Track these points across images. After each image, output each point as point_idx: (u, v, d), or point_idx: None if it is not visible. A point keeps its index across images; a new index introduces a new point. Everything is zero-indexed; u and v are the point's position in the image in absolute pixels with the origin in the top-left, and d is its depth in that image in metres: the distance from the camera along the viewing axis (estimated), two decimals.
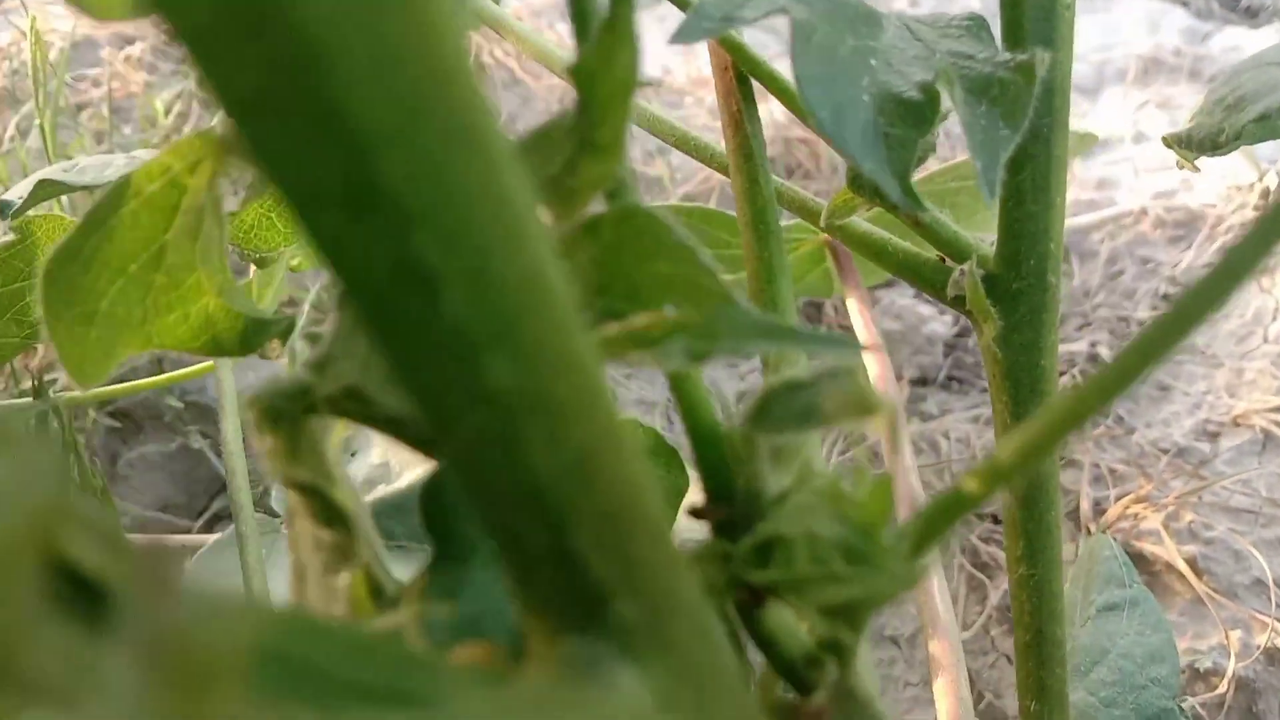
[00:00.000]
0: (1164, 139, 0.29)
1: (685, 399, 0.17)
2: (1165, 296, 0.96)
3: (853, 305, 0.44)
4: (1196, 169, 0.30)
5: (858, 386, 0.15)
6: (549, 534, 0.11)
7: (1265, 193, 1.00)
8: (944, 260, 0.28)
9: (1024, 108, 0.21)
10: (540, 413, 0.10)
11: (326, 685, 0.09)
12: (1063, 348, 0.91)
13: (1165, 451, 0.82)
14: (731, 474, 0.17)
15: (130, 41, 1.13)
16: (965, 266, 0.26)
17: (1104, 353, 0.92)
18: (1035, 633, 0.28)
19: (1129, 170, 1.11)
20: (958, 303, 0.27)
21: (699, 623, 0.12)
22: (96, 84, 1.08)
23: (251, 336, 0.22)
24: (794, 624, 0.18)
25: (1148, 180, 1.08)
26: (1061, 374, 0.89)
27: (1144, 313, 0.96)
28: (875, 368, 0.45)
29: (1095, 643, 0.45)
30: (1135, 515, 0.78)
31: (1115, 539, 0.73)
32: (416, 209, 0.09)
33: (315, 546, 0.16)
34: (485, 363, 0.10)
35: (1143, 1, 1.55)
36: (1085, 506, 0.80)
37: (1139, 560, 0.83)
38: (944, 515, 0.15)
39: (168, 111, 1.04)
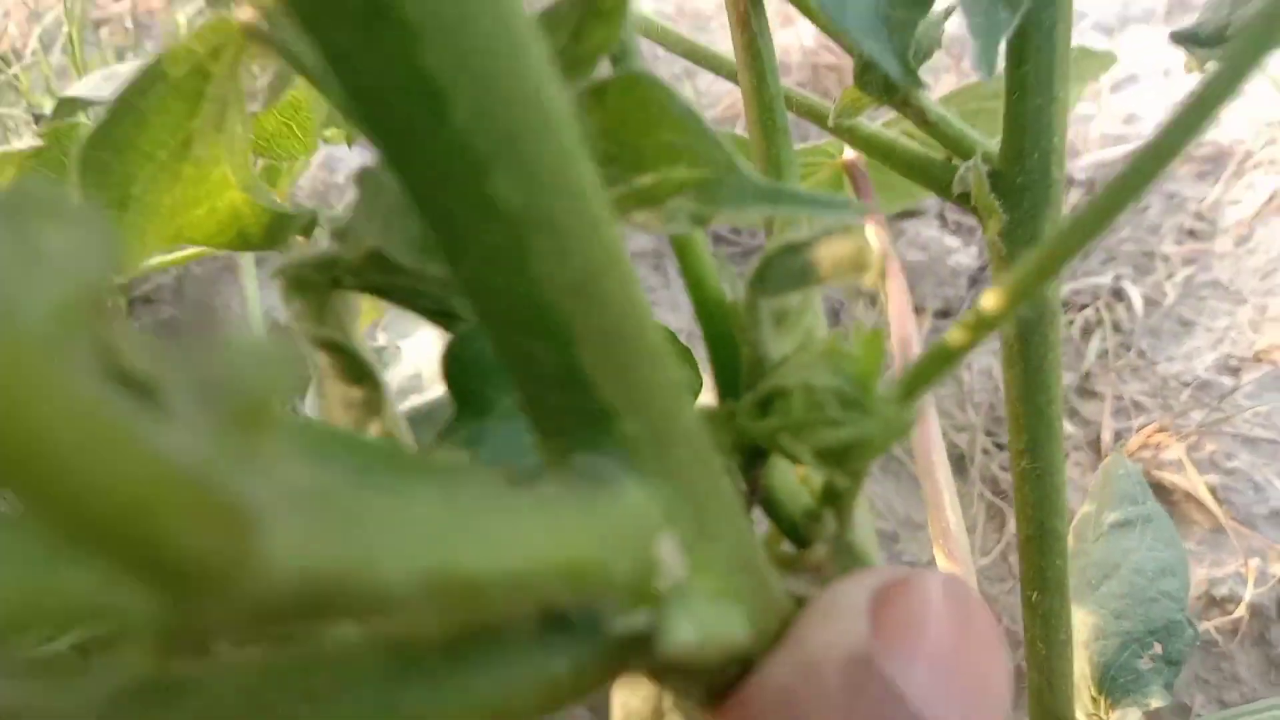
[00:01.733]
0: (1171, 35, 0.29)
1: (690, 271, 0.18)
2: (1191, 232, 0.95)
3: (870, 230, 0.45)
4: (1204, 71, 0.30)
5: (852, 242, 0.15)
6: (557, 352, 0.12)
7: None
8: (950, 159, 0.28)
9: None
10: (546, 231, 0.11)
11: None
12: (1086, 281, 0.91)
13: (1187, 385, 0.83)
14: (737, 344, 0.18)
15: None
16: (970, 163, 0.27)
17: (1127, 286, 0.91)
18: (1037, 525, 0.29)
19: (1157, 105, 1.10)
20: (963, 199, 0.27)
21: (700, 448, 0.13)
22: None
23: (277, 230, 0.23)
24: (795, 484, 0.19)
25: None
26: (1084, 306, 0.89)
27: (1169, 247, 0.95)
28: (895, 295, 0.45)
29: (1107, 557, 0.45)
30: (1157, 445, 0.78)
31: (1139, 467, 0.73)
32: (423, 24, 0.10)
33: (345, 404, 0.17)
34: (492, 179, 0.10)
35: None
36: (1107, 437, 0.80)
37: (1159, 490, 0.84)
38: (934, 364, 0.15)
39: (190, 25, 1.05)
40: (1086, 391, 0.84)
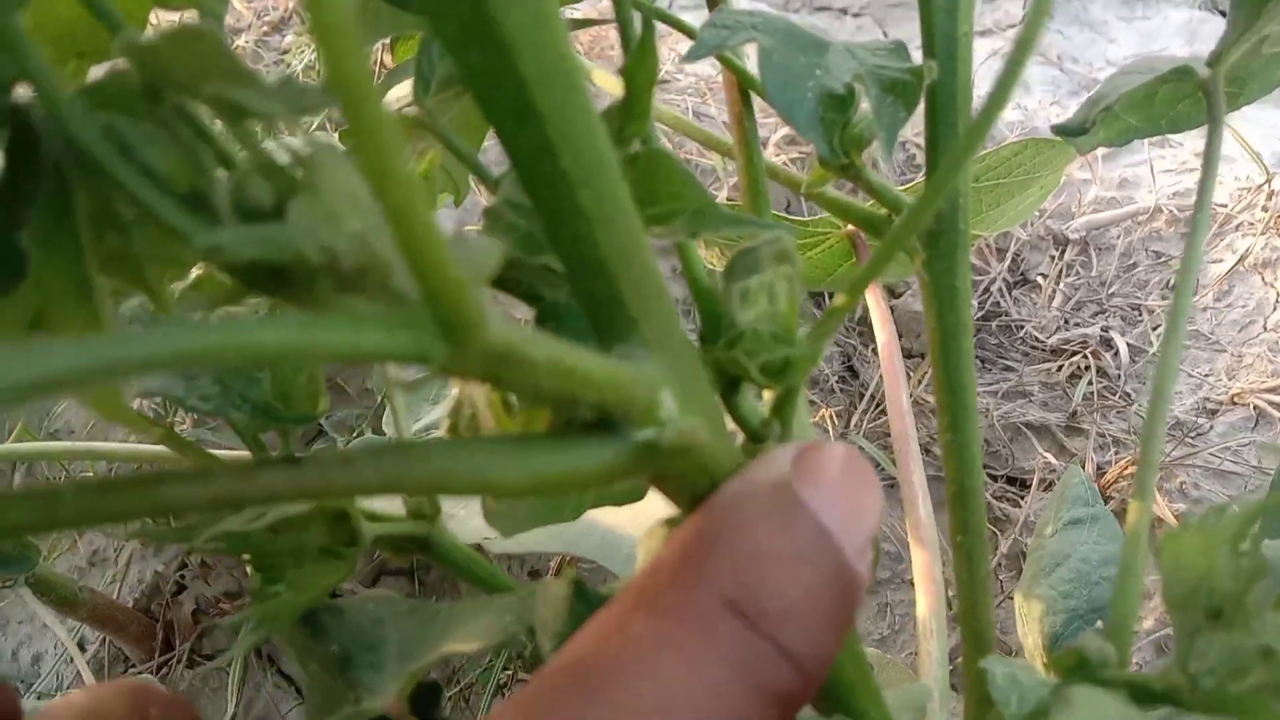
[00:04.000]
0: (1053, 127, 0.40)
1: (688, 264, 0.28)
2: (1174, 287, 1.07)
3: (870, 293, 0.56)
4: (1084, 155, 0.41)
5: (784, 247, 0.26)
6: (607, 287, 0.22)
7: (1271, 193, 1.10)
8: (890, 216, 0.39)
9: (915, 98, 0.33)
10: (606, 225, 0.22)
11: None
12: (1077, 331, 1.03)
13: (1166, 425, 0.92)
14: (718, 313, 0.29)
15: None
16: (902, 217, 0.38)
17: (1115, 337, 1.02)
18: (959, 485, 0.39)
19: (1148, 172, 1.21)
20: None
21: (688, 351, 0.24)
22: None
23: None
24: (754, 404, 0.29)
25: (1165, 181, 1.19)
26: (1075, 354, 1.00)
27: (1154, 301, 1.06)
28: (883, 337, 0.56)
29: (1060, 549, 0.54)
30: (1131, 476, 0.87)
31: (1115, 496, 0.82)
32: (549, 114, 0.21)
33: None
34: (579, 194, 0.21)
35: (1182, 11, 1.64)
36: (1089, 470, 0.89)
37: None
38: (830, 319, 0.26)
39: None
40: (1072, 429, 0.93)
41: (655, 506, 0.26)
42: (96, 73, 0.22)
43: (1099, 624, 0.52)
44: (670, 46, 1.25)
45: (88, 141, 0.19)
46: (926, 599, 0.50)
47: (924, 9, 0.36)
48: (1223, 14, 1.80)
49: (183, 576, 0.92)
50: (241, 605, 0.93)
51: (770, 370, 0.26)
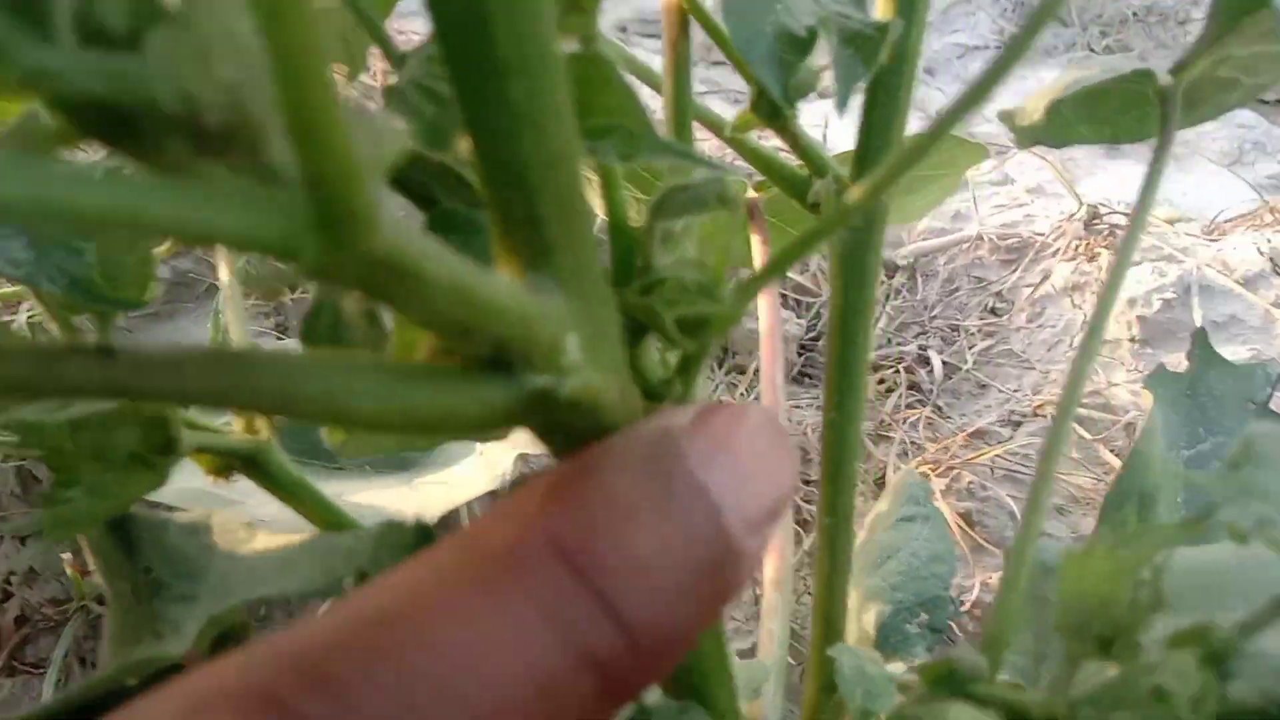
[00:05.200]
0: (999, 114, 0.38)
1: (609, 191, 0.25)
2: (992, 309, 1.13)
3: (762, 299, 0.54)
4: (1018, 147, 0.40)
5: (727, 186, 0.23)
6: (527, 203, 0.19)
7: (1085, 222, 1.18)
8: (811, 176, 0.37)
9: (875, 54, 0.30)
10: (535, 126, 0.18)
11: None
12: (896, 349, 1.10)
13: (969, 434, 0.97)
14: (633, 253, 0.26)
15: None
16: (825, 180, 0.35)
17: (932, 356, 1.08)
18: (835, 465, 0.37)
19: (982, 206, 1.28)
20: (815, 207, 0.36)
21: (602, 289, 0.21)
22: None
23: None
24: (655, 360, 0.26)
25: (994, 214, 1.26)
26: (892, 369, 1.06)
27: (973, 322, 1.12)
28: (766, 312, 0.54)
29: (892, 542, 0.55)
30: (924, 476, 0.91)
31: None
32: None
33: None
34: (509, 84, 0.18)
35: (1055, 72, 1.72)
36: (890, 474, 0.93)
37: None
38: (760, 278, 0.23)
39: None
40: (880, 437, 0.97)
41: None
42: None
43: (924, 616, 0.52)
44: None
45: None
46: (773, 575, 0.49)
47: None
48: None
49: (9, 583, 0.85)
50: (67, 611, 0.86)
51: (686, 325, 0.23)
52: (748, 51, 0.29)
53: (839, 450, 0.37)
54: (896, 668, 0.50)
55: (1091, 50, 1.84)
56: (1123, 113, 0.32)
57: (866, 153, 0.35)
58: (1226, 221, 1.28)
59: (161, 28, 0.14)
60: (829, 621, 0.39)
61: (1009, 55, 0.21)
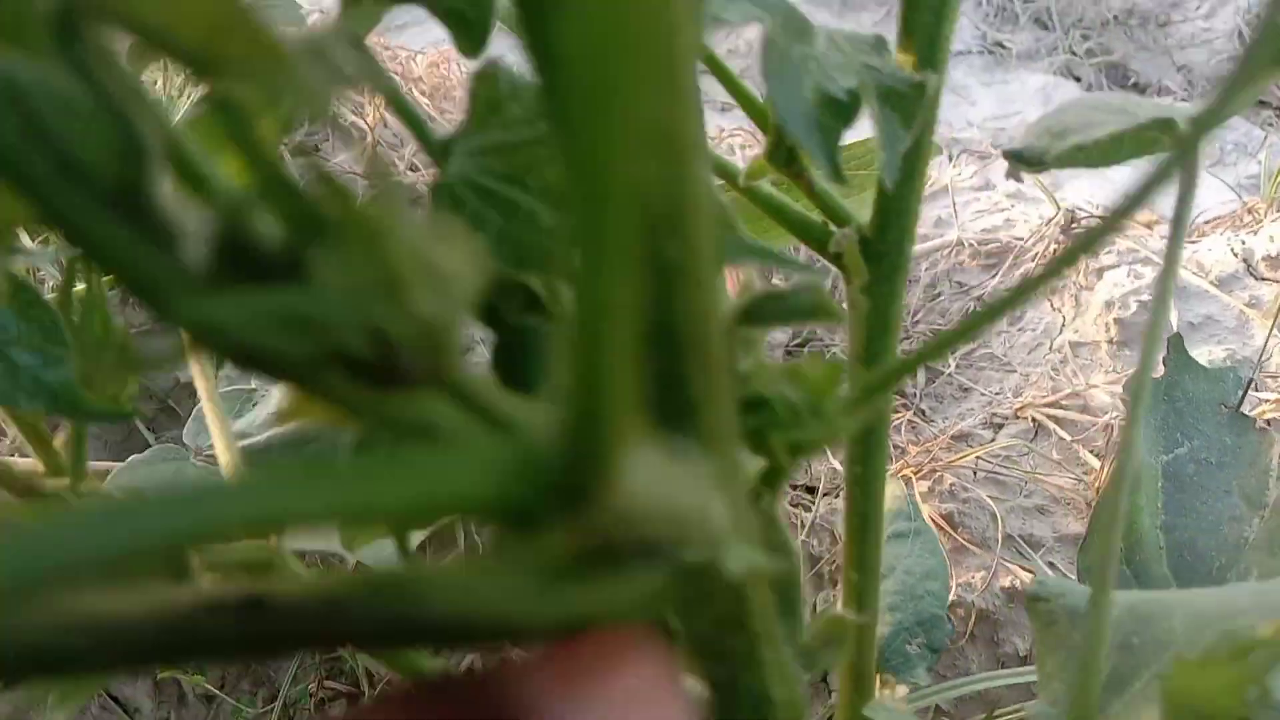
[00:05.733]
0: (1003, 152, 0.37)
1: None
2: (973, 314, 1.16)
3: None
4: (1020, 180, 0.39)
5: (824, 296, 0.22)
6: (669, 360, 0.17)
7: (1063, 226, 1.20)
8: (826, 224, 0.35)
9: (916, 115, 0.29)
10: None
11: None
12: None
13: (951, 437, 0.99)
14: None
15: None
16: (847, 230, 0.34)
17: None
18: (862, 517, 0.36)
19: (962, 212, 1.29)
20: (836, 258, 0.35)
21: (735, 439, 0.19)
22: None
23: None
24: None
25: (976, 220, 1.27)
26: None
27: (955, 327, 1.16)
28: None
29: (884, 561, 0.55)
30: (907, 480, 0.92)
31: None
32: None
33: None
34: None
35: (1038, 76, 1.76)
36: None
37: None
38: (879, 384, 0.22)
39: None
40: None
41: None
42: None
43: (922, 637, 0.52)
44: None
45: None
46: None
47: (908, 6, 0.32)
48: (1076, 79, 1.93)
49: None
50: None
51: (797, 449, 0.22)
52: (788, 118, 0.27)
53: (865, 505, 0.36)
54: (900, 690, 0.51)
55: (1073, 54, 1.87)
56: (1134, 154, 0.32)
57: (888, 207, 0.33)
58: (1206, 223, 1.31)
59: (331, 251, 0.12)
60: (859, 676, 0.38)
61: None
